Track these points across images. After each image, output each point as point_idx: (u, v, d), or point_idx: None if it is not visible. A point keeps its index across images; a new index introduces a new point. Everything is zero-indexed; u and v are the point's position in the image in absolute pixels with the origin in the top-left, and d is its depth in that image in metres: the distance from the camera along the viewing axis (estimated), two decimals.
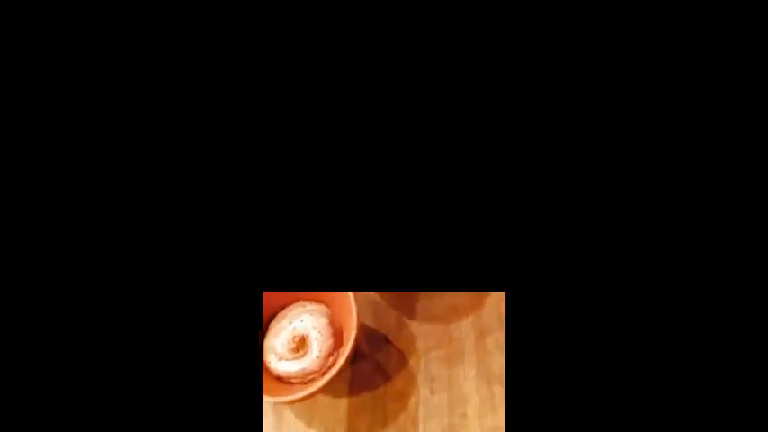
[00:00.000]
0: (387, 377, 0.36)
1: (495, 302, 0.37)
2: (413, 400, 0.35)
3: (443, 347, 0.37)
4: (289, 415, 0.35)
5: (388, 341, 0.38)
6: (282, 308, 0.36)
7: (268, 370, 0.34)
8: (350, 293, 0.32)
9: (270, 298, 0.36)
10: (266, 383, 0.32)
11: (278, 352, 0.34)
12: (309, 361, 0.33)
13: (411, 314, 0.39)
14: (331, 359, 0.33)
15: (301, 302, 0.36)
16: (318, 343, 0.33)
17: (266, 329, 0.36)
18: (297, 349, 0.33)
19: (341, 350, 0.33)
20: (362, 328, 0.38)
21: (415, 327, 0.38)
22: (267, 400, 0.31)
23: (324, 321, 0.34)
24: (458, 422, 0.34)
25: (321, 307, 0.36)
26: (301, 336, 0.34)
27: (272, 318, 0.36)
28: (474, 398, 0.34)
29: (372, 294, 0.40)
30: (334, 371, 0.31)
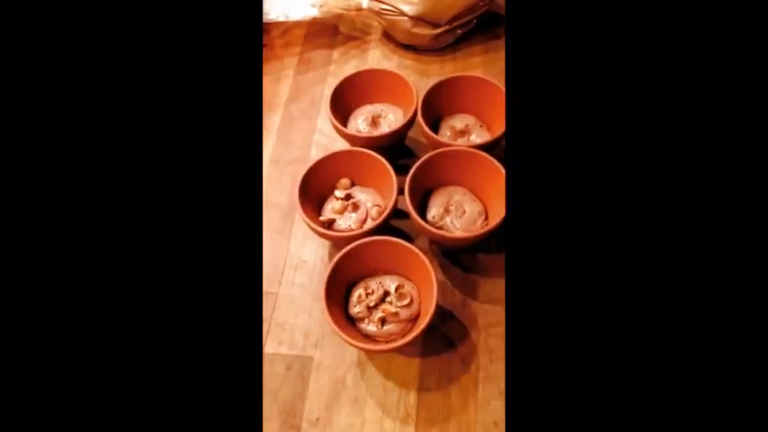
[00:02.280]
0: (452, 346, 0.43)
1: None
2: (474, 366, 0.42)
3: (500, 325, 0.44)
4: (370, 368, 0.43)
5: (453, 316, 0.45)
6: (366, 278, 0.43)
7: (358, 329, 0.41)
8: (432, 274, 0.39)
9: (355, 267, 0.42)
10: (356, 339, 0.39)
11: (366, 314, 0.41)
12: (393, 325, 0.40)
13: (473, 295, 0.46)
14: (410, 325, 0.41)
15: (391, 276, 0.43)
16: (402, 311, 0.40)
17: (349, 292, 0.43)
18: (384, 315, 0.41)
19: (419, 320, 0.40)
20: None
21: (477, 306, 0.45)
22: (359, 347, 0.38)
23: (414, 293, 0.41)
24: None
25: (409, 281, 0.42)
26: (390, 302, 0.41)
27: (353, 284, 0.43)
28: None
29: (441, 276, 0.47)
30: (412, 335, 0.38)
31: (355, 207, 0.46)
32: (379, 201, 0.46)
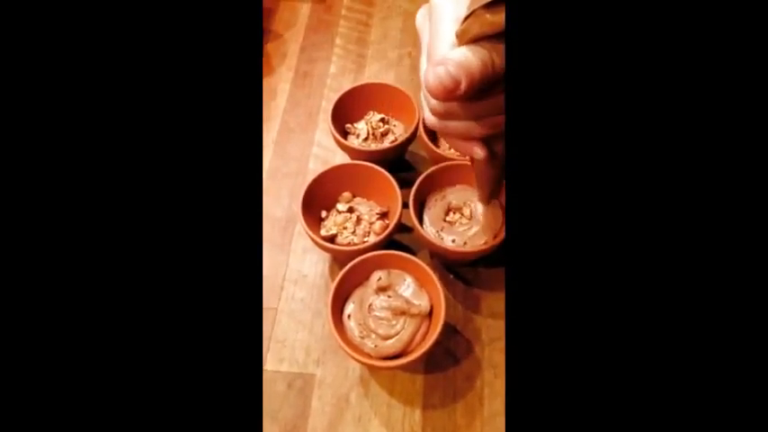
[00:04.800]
0: (456, 361, 0.43)
1: None
2: (479, 381, 0.42)
3: (504, 340, 0.44)
4: (374, 385, 0.42)
5: (456, 331, 0.44)
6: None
7: (363, 345, 0.40)
8: (440, 288, 0.39)
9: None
10: (362, 357, 0.38)
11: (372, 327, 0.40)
12: (399, 340, 0.40)
13: (476, 310, 0.45)
14: (414, 343, 0.40)
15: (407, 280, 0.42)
16: (409, 324, 0.40)
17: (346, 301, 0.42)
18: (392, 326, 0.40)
19: (427, 336, 0.39)
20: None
21: (480, 321, 0.45)
22: (365, 363, 0.38)
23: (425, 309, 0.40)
24: None
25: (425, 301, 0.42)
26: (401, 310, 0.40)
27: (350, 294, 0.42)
28: None
29: (443, 290, 0.46)
30: (423, 349, 0.37)
31: (358, 221, 0.45)
32: (381, 214, 0.46)
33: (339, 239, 0.45)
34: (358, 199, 0.47)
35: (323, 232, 0.45)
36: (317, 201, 0.45)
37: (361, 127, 0.50)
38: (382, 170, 0.45)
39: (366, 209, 0.46)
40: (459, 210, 0.45)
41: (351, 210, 0.46)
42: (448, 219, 0.45)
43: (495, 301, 0.46)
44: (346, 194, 0.47)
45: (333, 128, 0.48)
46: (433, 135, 0.48)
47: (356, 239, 0.44)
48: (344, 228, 0.45)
